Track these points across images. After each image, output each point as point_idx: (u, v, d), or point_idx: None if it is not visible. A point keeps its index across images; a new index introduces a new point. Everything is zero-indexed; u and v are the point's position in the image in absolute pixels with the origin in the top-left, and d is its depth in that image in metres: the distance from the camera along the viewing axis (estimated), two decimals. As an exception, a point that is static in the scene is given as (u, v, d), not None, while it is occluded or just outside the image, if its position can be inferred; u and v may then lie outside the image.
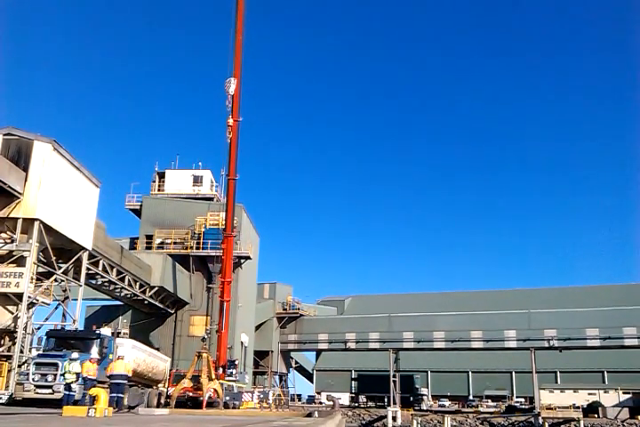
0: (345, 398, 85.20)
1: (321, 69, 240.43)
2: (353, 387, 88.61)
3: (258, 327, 69.57)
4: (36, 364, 21.65)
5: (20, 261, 29.19)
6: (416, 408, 70.92)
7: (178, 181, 59.82)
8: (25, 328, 29.09)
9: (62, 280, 33.71)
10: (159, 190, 59.55)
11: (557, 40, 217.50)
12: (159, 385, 32.53)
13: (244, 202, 57.35)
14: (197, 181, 59.98)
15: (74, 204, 32.49)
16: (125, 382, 22.22)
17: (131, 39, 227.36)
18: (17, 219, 28.87)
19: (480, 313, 74.19)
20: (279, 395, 61.57)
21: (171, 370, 34.98)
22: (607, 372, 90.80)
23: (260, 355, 72.11)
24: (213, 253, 53.83)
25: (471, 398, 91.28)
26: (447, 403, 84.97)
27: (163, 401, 30.23)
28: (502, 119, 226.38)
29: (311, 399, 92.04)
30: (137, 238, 56.97)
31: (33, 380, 21.15)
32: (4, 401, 23.29)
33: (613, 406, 64.70)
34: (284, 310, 76.74)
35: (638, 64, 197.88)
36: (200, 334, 54.00)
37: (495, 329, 69.28)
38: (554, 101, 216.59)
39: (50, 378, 21.10)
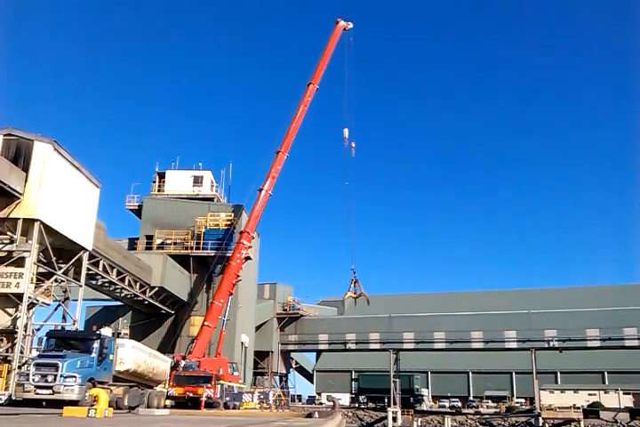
0: (345, 399, 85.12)
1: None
2: (353, 387, 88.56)
3: (258, 328, 69.52)
4: (37, 364, 21.61)
5: (21, 262, 29.17)
6: (416, 409, 70.77)
7: (178, 181, 59.80)
8: (25, 329, 29.07)
9: (62, 281, 33.68)
10: (159, 191, 59.52)
11: (556, 37, 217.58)
12: (160, 386, 32.50)
13: (244, 202, 57.42)
14: (197, 181, 59.97)
15: (74, 204, 32.48)
16: None
17: (131, 39, 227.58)
18: (17, 219, 28.85)
19: (480, 313, 74.09)
20: (279, 396, 61.53)
21: (171, 371, 34.93)
22: (607, 372, 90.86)
23: (261, 355, 72.06)
24: (213, 254, 53.83)
25: (471, 398, 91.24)
26: (447, 404, 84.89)
27: (163, 403, 30.19)
28: (502, 118, 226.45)
29: (311, 400, 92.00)
30: (137, 239, 56.96)
31: (33, 380, 21.13)
32: (3, 402, 23.29)
33: (614, 409, 64.64)
34: (285, 310, 76.67)
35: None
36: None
37: (495, 330, 69.18)
38: (554, 100, 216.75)
39: (50, 379, 21.07)
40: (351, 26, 60.40)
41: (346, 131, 57.23)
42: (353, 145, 57.46)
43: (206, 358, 43.80)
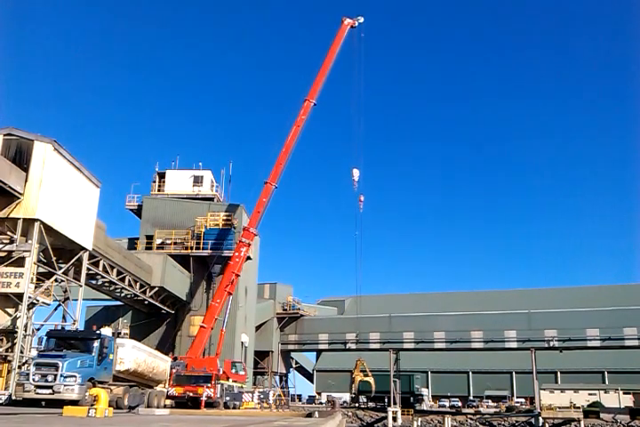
0: (345, 399, 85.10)
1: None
2: (353, 387, 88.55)
3: (258, 328, 69.52)
4: (37, 364, 21.61)
5: (21, 262, 29.16)
6: (416, 409, 70.74)
7: (178, 181, 59.78)
8: (25, 329, 29.07)
9: (62, 280, 33.67)
10: (159, 191, 59.50)
11: (557, 38, 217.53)
12: (160, 385, 32.50)
13: (245, 202, 57.46)
14: (197, 181, 59.95)
15: (74, 204, 32.48)
16: None
17: (131, 40, 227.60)
18: (17, 219, 28.84)
19: (480, 313, 74.10)
20: (279, 395, 61.50)
21: (171, 370, 34.92)
22: (607, 372, 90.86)
23: (261, 355, 72.07)
24: (213, 254, 53.81)
25: (471, 398, 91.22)
26: (447, 404, 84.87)
27: (163, 403, 30.18)
28: (502, 120, 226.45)
29: (311, 400, 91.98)
30: (136, 239, 56.99)
31: (33, 380, 21.13)
32: (3, 401, 23.28)
33: (614, 409, 64.59)
34: (285, 310, 76.70)
35: (639, 63, 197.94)
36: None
37: (495, 329, 69.17)
38: (554, 102, 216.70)
39: (50, 378, 21.06)
40: (361, 20, 54.73)
41: (355, 172, 51.50)
42: (361, 199, 52.23)
43: (194, 358, 43.67)
